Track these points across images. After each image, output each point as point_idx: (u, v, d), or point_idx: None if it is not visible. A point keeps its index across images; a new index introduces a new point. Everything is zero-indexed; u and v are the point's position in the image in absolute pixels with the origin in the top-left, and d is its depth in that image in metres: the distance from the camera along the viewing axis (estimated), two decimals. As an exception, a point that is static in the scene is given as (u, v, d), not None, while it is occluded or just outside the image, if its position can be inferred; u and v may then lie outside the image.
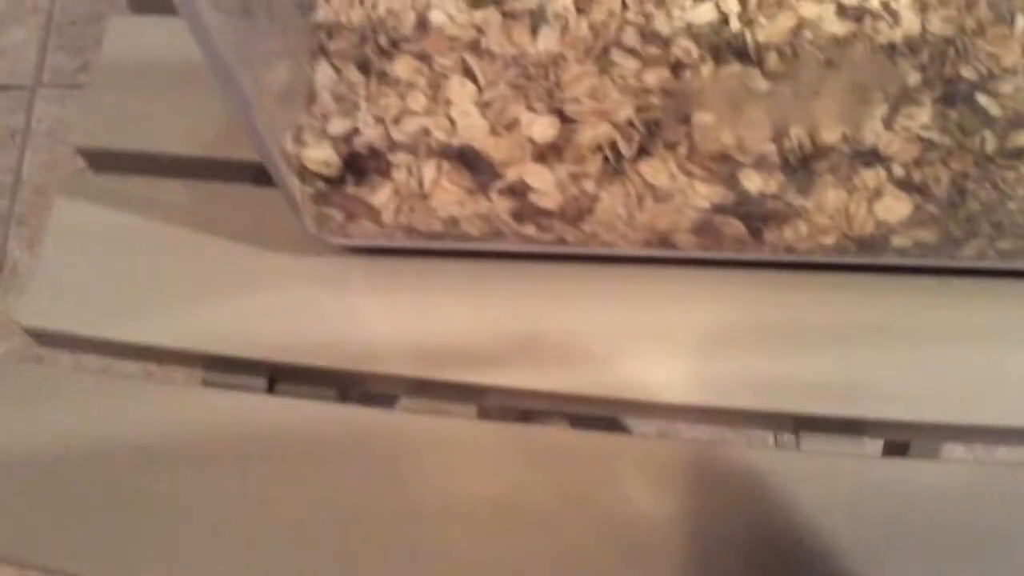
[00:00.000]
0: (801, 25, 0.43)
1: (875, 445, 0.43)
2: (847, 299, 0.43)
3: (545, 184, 0.40)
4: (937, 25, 0.43)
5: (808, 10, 0.44)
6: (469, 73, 0.42)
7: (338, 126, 0.41)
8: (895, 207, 0.40)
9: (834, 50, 0.43)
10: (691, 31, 0.43)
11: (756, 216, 0.40)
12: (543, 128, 0.41)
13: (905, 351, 0.42)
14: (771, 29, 0.43)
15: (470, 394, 0.43)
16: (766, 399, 0.41)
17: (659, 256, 0.42)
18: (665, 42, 0.43)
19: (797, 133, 0.41)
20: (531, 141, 0.41)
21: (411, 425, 0.42)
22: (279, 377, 0.44)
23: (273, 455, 0.42)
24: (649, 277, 0.43)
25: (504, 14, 0.43)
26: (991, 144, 0.41)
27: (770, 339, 0.42)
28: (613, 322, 0.43)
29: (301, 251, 0.44)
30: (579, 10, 0.44)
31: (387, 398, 0.45)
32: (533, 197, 0.40)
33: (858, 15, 0.44)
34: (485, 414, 0.44)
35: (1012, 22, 0.43)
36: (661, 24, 0.43)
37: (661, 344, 0.42)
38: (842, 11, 0.44)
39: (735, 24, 0.44)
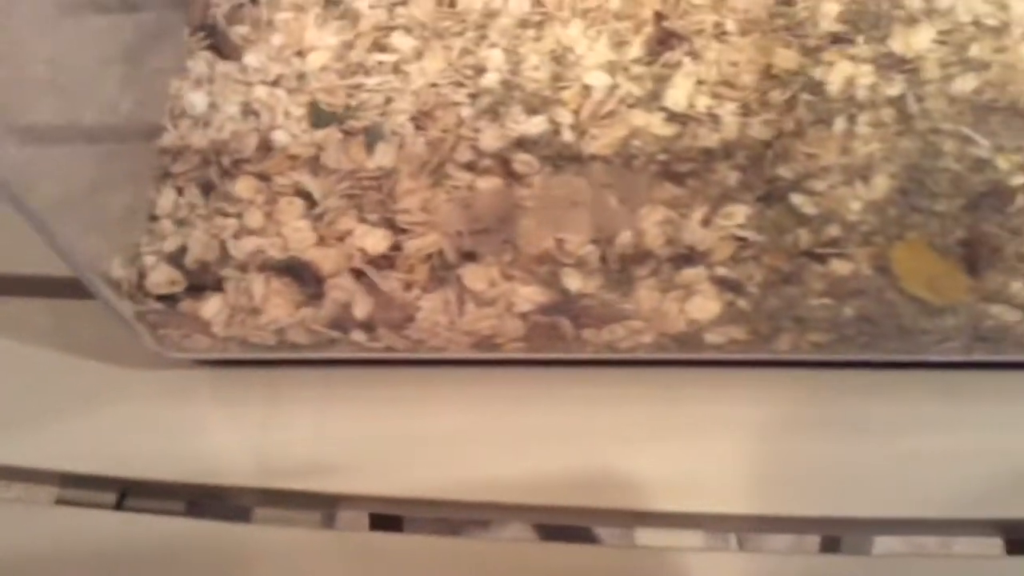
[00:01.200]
0: (632, 135, 0.45)
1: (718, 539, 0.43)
2: (680, 395, 0.44)
3: (359, 294, 0.41)
4: (757, 129, 0.45)
5: (639, 119, 0.46)
6: (304, 191, 0.43)
7: (173, 244, 0.42)
8: (705, 306, 0.41)
9: (660, 156, 0.45)
10: (525, 142, 0.45)
11: (576, 317, 0.41)
12: (375, 240, 0.42)
13: (755, 443, 0.43)
14: (603, 140, 0.45)
15: (322, 503, 0.44)
16: (600, 496, 0.41)
17: (498, 358, 0.43)
18: (498, 154, 0.45)
19: (619, 237, 0.42)
20: (362, 251, 0.42)
21: (260, 537, 0.43)
22: (130, 492, 0.44)
23: (124, 572, 0.42)
24: (490, 378, 0.44)
25: (344, 132, 0.45)
26: (804, 241, 0.42)
27: (606, 436, 0.43)
28: (457, 424, 0.43)
29: (149, 365, 0.45)
30: (417, 127, 0.46)
31: (242, 510, 0.45)
32: (353, 308, 0.41)
33: (684, 120, 0.46)
34: (343, 523, 0.45)
35: (831, 123, 0.45)
36: (495, 138, 0.45)
37: (503, 445, 0.43)
38: (671, 117, 0.46)
39: (568, 135, 0.46)
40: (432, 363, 0.44)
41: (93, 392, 0.44)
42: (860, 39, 0.47)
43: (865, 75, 0.46)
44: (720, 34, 0.49)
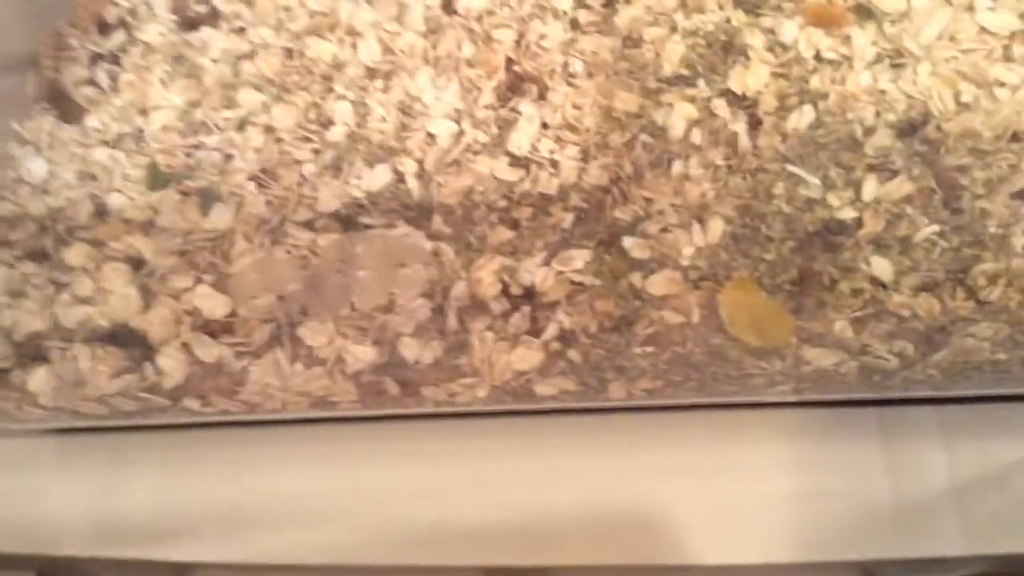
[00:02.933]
0: (476, 182, 0.45)
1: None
2: (515, 446, 0.43)
3: (185, 363, 0.40)
4: (595, 174, 0.45)
5: (483, 165, 0.46)
6: (135, 257, 0.43)
7: (6, 320, 0.42)
8: (528, 355, 0.40)
9: (500, 203, 0.45)
10: (368, 196, 0.45)
11: (407, 378, 0.41)
12: (210, 304, 0.42)
13: (590, 492, 0.42)
14: (448, 188, 0.45)
15: (167, 570, 0.43)
16: (447, 553, 0.41)
17: (339, 416, 0.43)
18: (337, 212, 0.44)
19: (453, 289, 0.42)
20: (194, 315, 0.42)
21: (107, 606, 0.42)
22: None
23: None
24: (330, 436, 0.44)
25: (181, 193, 0.45)
26: (636, 284, 0.42)
27: (447, 490, 0.42)
28: (298, 485, 0.43)
29: (-7, 434, 0.44)
30: (259, 186, 0.45)
31: (91, 578, 0.44)
32: (180, 376, 0.40)
33: (526, 164, 0.45)
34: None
35: (668, 166, 0.45)
36: (335, 195, 0.45)
37: (356, 503, 0.42)
38: (513, 162, 0.46)
39: (413, 184, 0.45)
40: (274, 423, 0.43)
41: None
42: (701, 81, 0.47)
43: (703, 116, 0.45)
44: (568, 76, 0.48)
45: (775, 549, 0.39)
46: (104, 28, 0.50)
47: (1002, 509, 0.39)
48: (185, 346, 0.40)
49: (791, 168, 0.43)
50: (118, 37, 0.50)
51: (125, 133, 0.46)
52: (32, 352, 0.41)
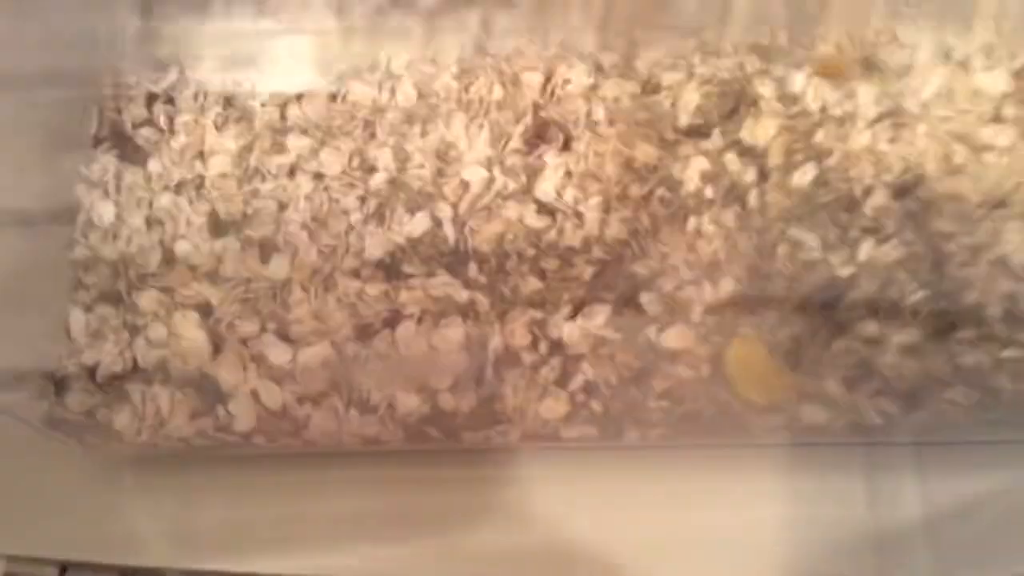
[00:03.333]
0: (506, 228, 0.49)
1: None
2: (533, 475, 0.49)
3: (253, 409, 0.46)
4: (615, 227, 0.49)
5: (512, 211, 0.50)
6: (203, 303, 0.48)
7: (88, 360, 0.47)
8: (555, 406, 0.46)
9: (529, 251, 0.49)
10: (409, 243, 0.49)
11: (450, 422, 0.46)
12: (273, 350, 0.47)
13: (603, 521, 0.48)
14: (481, 234, 0.49)
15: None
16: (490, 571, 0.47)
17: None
18: (382, 260, 0.49)
19: (491, 343, 0.47)
20: (259, 361, 0.47)
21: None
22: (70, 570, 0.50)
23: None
24: (393, 462, 0.49)
25: (242, 241, 0.49)
26: (652, 338, 0.47)
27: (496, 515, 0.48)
28: (367, 504, 0.48)
29: (78, 460, 0.49)
30: (310, 235, 0.49)
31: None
32: (248, 421, 0.46)
33: (552, 212, 0.49)
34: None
35: (683, 220, 0.49)
36: (379, 244, 0.49)
37: (407, 523, 0.48)
38: (541, 209, 0.50)
39: (448, 229, 0.49)
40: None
41: (33, 485, 0.49)
42: (715, 131, 0.51)
43: (716, 169, 0.49)
44: (591, 124, 0.52)
45: (764, 572, 0.46)
46: (158, 65, 0.53)
47: (969, 540, 0.45)
48: (253, 392, 0.45)
49: (793, 229, 0.47)
50: (172, 75, 0.53)
51: (187, 180, 0.49)
52: (115, 393, 0.46)
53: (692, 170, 0.50)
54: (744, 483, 0.48)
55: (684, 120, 0.51)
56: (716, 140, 0.50)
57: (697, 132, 0.51)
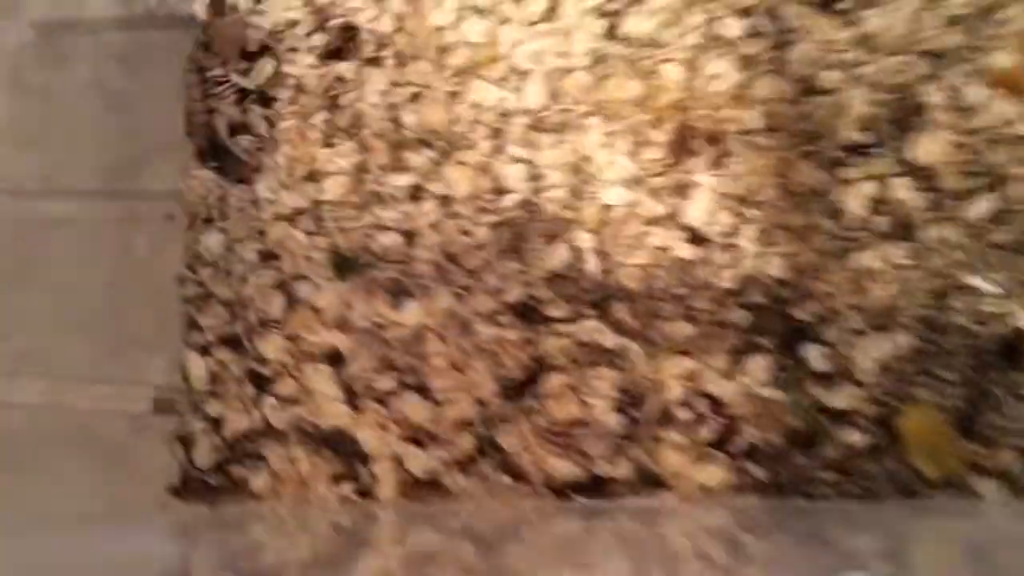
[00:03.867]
0: (653, 260, 0.46)
1: None
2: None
3: (398, 473, 0.43)
4: (775, 263, 0.45)
5: (659, 238, 0.46)
6: (333, 353, 0.44)
7: (212, 412, 0.44)
8: (714, 473, 0.44)
9: (679, 290, 0.46)
10: (548, 279, 0.46)
11: (604, 487, 0.44)
12: (412, 408, 0.44)
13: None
14: (625, 268, 0.45)
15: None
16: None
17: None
18: (521, 302, 0.45)
19: (646, 403, 0.44)
20: (398, 421, 0.44)
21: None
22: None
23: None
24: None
25: (368, 282, 0.45)
26: (818, 397, 0.44)
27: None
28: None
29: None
30: (442, 274, 0.45)
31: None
32: (393, 488, 0.43)
33: (703, 241, 0.45)
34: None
35: (847, 256, 0.45)
36: (518, 282, 0.45)
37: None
38: (691, 238, 0.46)
39: (590, 261, 0.46)
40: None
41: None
42: (881, 149, 0.47)
43: (883, 195, 0.45)
44: (743, 133, 0.47)
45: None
46: (246, 55, 0.47)
47: None
48: (397, 458, 0.43)
49: (967, 276, 0.44)
50: (265, 68, 0.47)
51: (302, 208, 0.45)
52: (246, 449, 0.43)
53: (858, 196, 0.45)
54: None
55: (848, 133, 0.46)
56: (882, 161, 0.46)
57: (863, 150, 0.46)
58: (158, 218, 0.45)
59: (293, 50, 0.47)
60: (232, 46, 0.47)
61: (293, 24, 0.47)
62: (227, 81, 0.46)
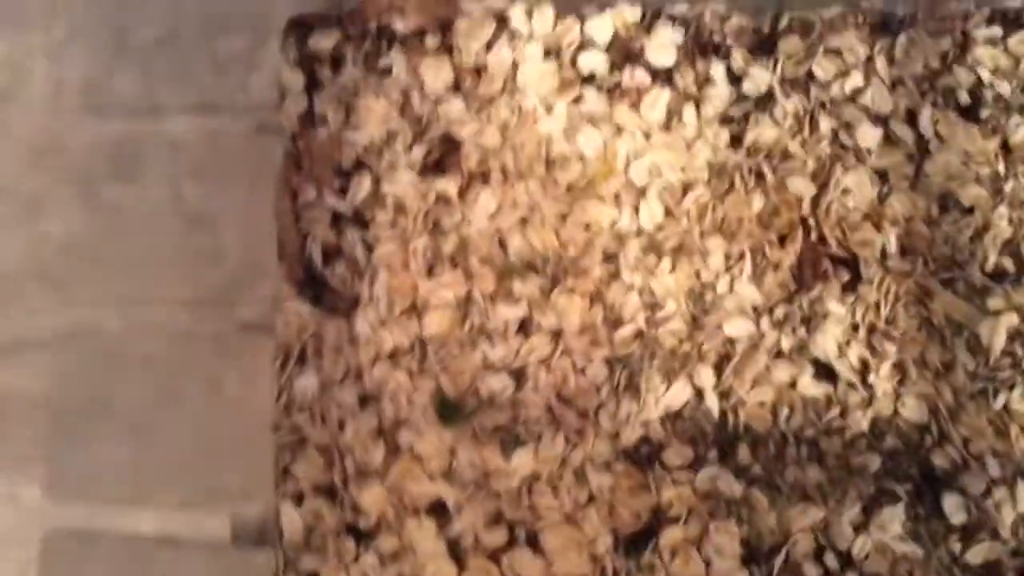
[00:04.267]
0: (779, 397, 0.45)
1: None
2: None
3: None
4: (912, 406, 0.45)
5: (785, 373, 0.45)
6: (437, 504, 0.44)
7: (305, 564, 0.44)
8: None
9: (808, 432, 0.45)
10: (667, 420, 0.45)
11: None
12: (529, 568, 0.44)
13: None
14: (749, 407, 0.45)
15: None
16: None
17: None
18: (638, 445, 0.44)
19: (776, 560, 0.44)
20: (513, 580, 0.44)
21: None
22: None
23: None
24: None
25: (475, 429, 0.45)
26: (956, 550, 0.44)
27: None
28: None
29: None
30: (555, 418, 0.47)
31: None
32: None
33: (834, 377, 0.46)
34: None
35: (990, 396, 0.44)
36: (635, 425, 0.45)
37: None
38: (820, 372, 0.46)
39: (711, 400, 0.45)
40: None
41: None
42: (1030, 278, 0.47)
43: None
44: (881, 257, 0.46)
45: None
46: (341, 173, 0.46)
47: None
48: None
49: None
50: (361, 186, 0.47)
51: (403, 347, 0.44)
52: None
53: (1001, 329, 0.46)
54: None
55: (993, 258, 0.45)
56: (1031, 288, 0.46)
57: (1009, 278, 0.46)
58: (248, 352, 0.44)
59: (392, 167, 0.46)
60: (325, 164, 0.47)
61: (392, 137, 0.47)
62: (321, 203, 0.45)
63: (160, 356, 0.47)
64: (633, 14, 0.49)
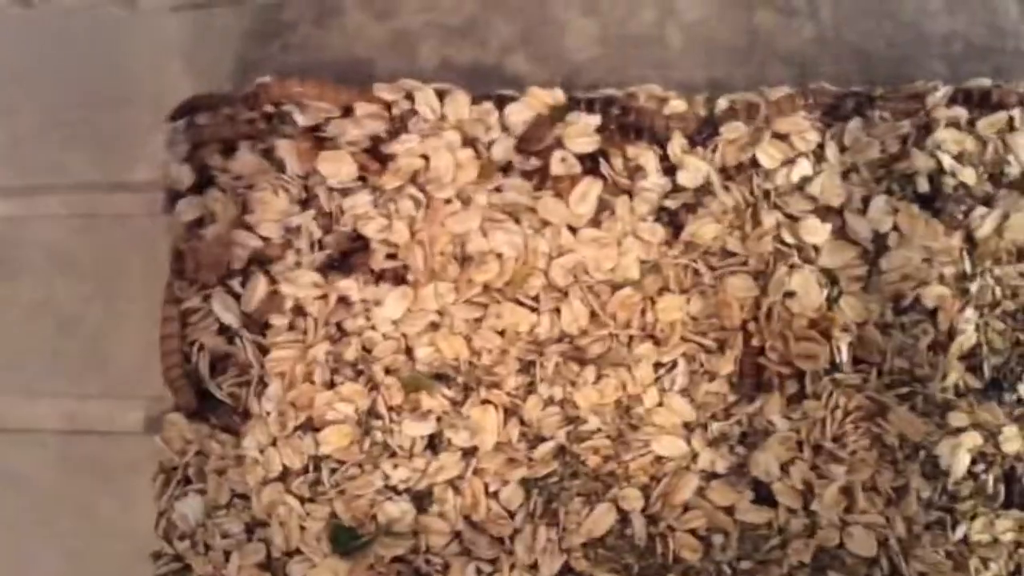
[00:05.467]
0: (712, 523, 0.43)
1: None
2: None
3: None
4: (860, 539, 0.44)
5: (721, 496, 0.44)
6: None
7: None
8: None
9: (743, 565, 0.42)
10: (591, 549, 0.42)
11: None
12: None
13: None
14: (679, 535, 0.44)
15: None
16: None
17: None
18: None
19: None
20: None
21: None
22: None
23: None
24: None
25: (373, 561, 0.44)
26: None
27: None
28: None
29: None
30: (466, 550, 0.43)
31: None
32: None
33: (774, 501, 0.42)
34: None
35: (952, 529, 0.42)
36: (552, 555, 0.43)
37: None
38: (760, 496, 0.42)
39: (638, 525, 0.44)
40: None
41: None
42: (998, 392, 0.43)
43: (990, 451, 0.42)
44: (829, 369, 0.44)
45: None
46: (231, 275, 0.43)
47: None
48: None
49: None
50: (256, 289, 0.44)
51: (295, 468, 0.41)
52: None
53: (963, 450, 0.44)
54: None
55: (954, 376, 0.42)
56: (997, 405, 0.42)
57: (971, 393, 0.43)
58: (124, 470, 0.41)
59: (291, 266, 0.44)
60: (213, 268, 0.44)
61: (291, 233, 0.44)
62: (208, 310, 0.43)
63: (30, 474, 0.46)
64: (556, 97, 0.46)
